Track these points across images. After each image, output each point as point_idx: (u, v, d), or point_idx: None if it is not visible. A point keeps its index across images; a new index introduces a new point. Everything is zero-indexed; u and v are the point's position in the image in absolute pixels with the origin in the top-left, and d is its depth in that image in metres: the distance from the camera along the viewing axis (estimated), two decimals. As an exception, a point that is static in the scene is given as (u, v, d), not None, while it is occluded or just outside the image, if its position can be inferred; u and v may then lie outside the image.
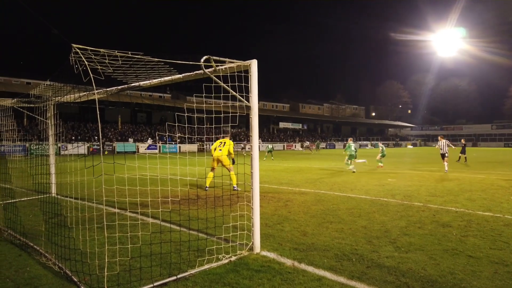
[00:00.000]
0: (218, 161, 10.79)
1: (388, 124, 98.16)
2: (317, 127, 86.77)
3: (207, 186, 10.85)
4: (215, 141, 11.23)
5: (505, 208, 8.01)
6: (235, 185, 10.54)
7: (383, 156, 19.90)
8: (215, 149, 10.89)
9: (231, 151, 10.96)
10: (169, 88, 73.41)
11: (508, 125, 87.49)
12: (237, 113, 5.10)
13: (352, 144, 17.90)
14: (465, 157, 24.94)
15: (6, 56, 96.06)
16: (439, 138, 18.25)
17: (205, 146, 44.27)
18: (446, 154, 17.08)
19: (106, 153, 33.21)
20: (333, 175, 15.66)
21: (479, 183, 12.66)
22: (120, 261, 4.45)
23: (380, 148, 20.24)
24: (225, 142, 10.88)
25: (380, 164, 19.73)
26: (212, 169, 11.02)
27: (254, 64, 4.97)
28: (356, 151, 17.80)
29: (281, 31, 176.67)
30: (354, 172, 16.71)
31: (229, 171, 10.83)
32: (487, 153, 42.87)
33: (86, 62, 3.97)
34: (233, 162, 11.15)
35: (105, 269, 3.93)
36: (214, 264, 4.47)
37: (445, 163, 16.94)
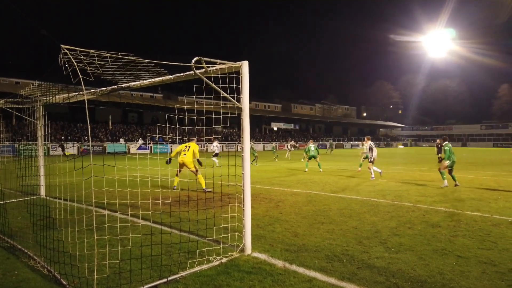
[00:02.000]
0: (183, 165, 10.75)
1: (379, 125, 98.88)
2: (309, 127, 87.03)
3: (175, 186, 11.00)
4: (181, 143, 11.31)
5: (493, 208, 8.12)
6: (204, 187, 10.54)
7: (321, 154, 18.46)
8: (179, 153, 10.91)
9: (196, 152, 10.83)
10: (160, 88, 73.06)
11: (496, 125, 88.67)
12: (228, 114, 5.10)
13: (311, 145, 18.37)
14: (439, 157, 24.22)
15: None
16: (365, 139, 15.33)
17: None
18: (371, 159, 14.34)
19: (67, 153, 31.84)
20: (324, 176, 15.72)
21: (468, 183, 12.81)
22: (110, 263, 4.41)
23: (321, 146, 18.96)
24: (190, 146, 10.84)
25: (319, 168, 18.14)
26: (179, 171, 11.04)
27: (245, 66, 4.96)
28: (317, 151, 18.29)
29: (273, 31, 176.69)
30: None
31: (196, 175, 10.73)
32: (476, 153, 43.38)
33: (75, 63, 3.93)
34: (200, 164, 11.09)
35: (95, 272, 3.89)
36: (205, 266, 4.45)
37: (369, 169, 14.44)
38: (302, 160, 29.14)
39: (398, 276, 4.17)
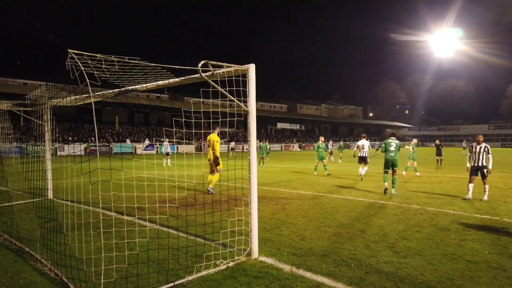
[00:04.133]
0: (209, 161, 10.28)
1: (385, 125, 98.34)
2: (315, 128, 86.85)
3: (210, 186, 10.19)
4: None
5: (502, 211, 8.01)
6: (210, 187, 10.10)
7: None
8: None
9: (216, 148, 10.10)
10: (166, 89, 73.32)
11: (505, 125, 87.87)
12: (235, 117, 5.08)
13: (320, 143, 16.96)
14: (440, 159, 22.67)
15: (3, 57, 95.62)
16: (362, 136, 15.19)
17: (203, 147, 44.26)
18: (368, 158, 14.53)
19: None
20: (330, 177, 15.65)
21: (476, 184, 12.64)
22: (117, 267, 4.41)
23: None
24: (210, 140, 10.16)
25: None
26: (211, 171, 10.42)
27: (251, 69, 4.93)
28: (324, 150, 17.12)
29: (279, 32, 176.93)
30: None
31: (210, 173, 10.26)
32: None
33: (82, 67, 3.93)
34: (217, 164, 10.13)
35: (102, 276, 3.90)
36: (211, 270, 4.43)
37: (365, 168, 14.56)
38: (340, 161, 27.38)
39: (407, 282, 4.12)
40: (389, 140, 10.73)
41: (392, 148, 10.59)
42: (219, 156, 10.18)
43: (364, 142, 14.44)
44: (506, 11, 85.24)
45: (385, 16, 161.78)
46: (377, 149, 29.83)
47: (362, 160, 14.41)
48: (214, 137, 10.21)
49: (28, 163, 6.12)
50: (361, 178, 14.23)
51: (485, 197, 9.46)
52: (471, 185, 9.66)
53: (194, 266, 4.47)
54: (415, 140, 17.63)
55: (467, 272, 4.41)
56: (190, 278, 4.19)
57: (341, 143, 32.00)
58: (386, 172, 10.69)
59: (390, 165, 10.63)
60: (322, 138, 17.26)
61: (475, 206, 8.61)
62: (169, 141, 23.92)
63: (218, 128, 10.31)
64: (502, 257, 4.99)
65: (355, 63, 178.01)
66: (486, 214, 7.66)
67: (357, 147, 14.73)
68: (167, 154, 22.25)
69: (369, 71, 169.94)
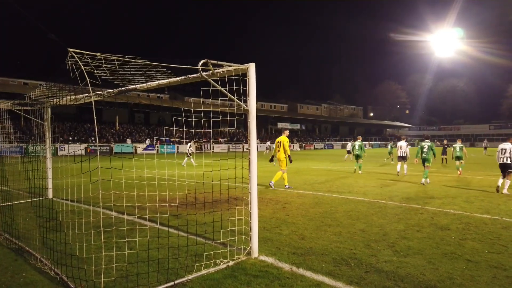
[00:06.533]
0: (279, 160, 11.33)
1: (386, 125, 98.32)
2: (315, 128, 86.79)
3: (286, 184, 11.67)
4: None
5: (502, 210, 8.01)
6: (286, 184, 11.57)
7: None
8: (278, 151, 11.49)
9: (286, 148, 11.20)
10: (167, 89, 73.30)
11: (505, 125, 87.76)
12: (235, 116, 5.08)
13: (356, 143, 17.83)
14: (445, 158, 24.75)
15: (3, 56, 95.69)
16: (402, 138, 17.51)
17: (203, 146, 44.28)
18: (408, 157, 16.49)
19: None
20: (331, 176, 15.65)
21: (476, 184, 12.67)
22: (117, 266, 4.41)
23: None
24: (281, 141, 11.25)
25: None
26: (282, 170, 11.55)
27: (252, 68, 4.93)
28: (362, 150, 17.75)
29: (279, 31, 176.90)
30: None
31: (282, 173, 11.36)
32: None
33: (82, 66, 3.93)
34: (290, 161, 11.39)
35: (102, 275, 3.90)
36: (211, 269, 4.43)
37: (405, 166, 16.37)
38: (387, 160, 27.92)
39: (407, 281, 4.12)
40: (423, 143, 13.45)
41: (425, 150, 13.17)
42: (290, 154, 11.54)
43: (403, 143, 16.52)
44: (507, 10, 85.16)
45: (386, 16, 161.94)
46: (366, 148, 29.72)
47: (402, 158, 16.27)
48: (284, 138, 11.47)
49: (28, 162, 6.12)
50: (398, 174, 16.07)
51: (505, 191, 10.45)
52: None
53: (194, 265, 4.47)
54: (460, 140, 18.72)
55: (467, 271, 4.41)
56: (190, 277, 4.19)
57: (392, 143, 31.94)
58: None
59: (424, 162, 13.06)
60: (360, 138, 18.53)
61: (476, 205, 8.60)
62: (193, 143, 24.34)
63: (287, 131, 11.99)
64: (502, 256, 4.99)
65: (356, 63, 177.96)
66: (486, 214, 7.66)
67: (397, 147, 16.86)
68: (189, 155, 22.55)
69: (369, 71, 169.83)
